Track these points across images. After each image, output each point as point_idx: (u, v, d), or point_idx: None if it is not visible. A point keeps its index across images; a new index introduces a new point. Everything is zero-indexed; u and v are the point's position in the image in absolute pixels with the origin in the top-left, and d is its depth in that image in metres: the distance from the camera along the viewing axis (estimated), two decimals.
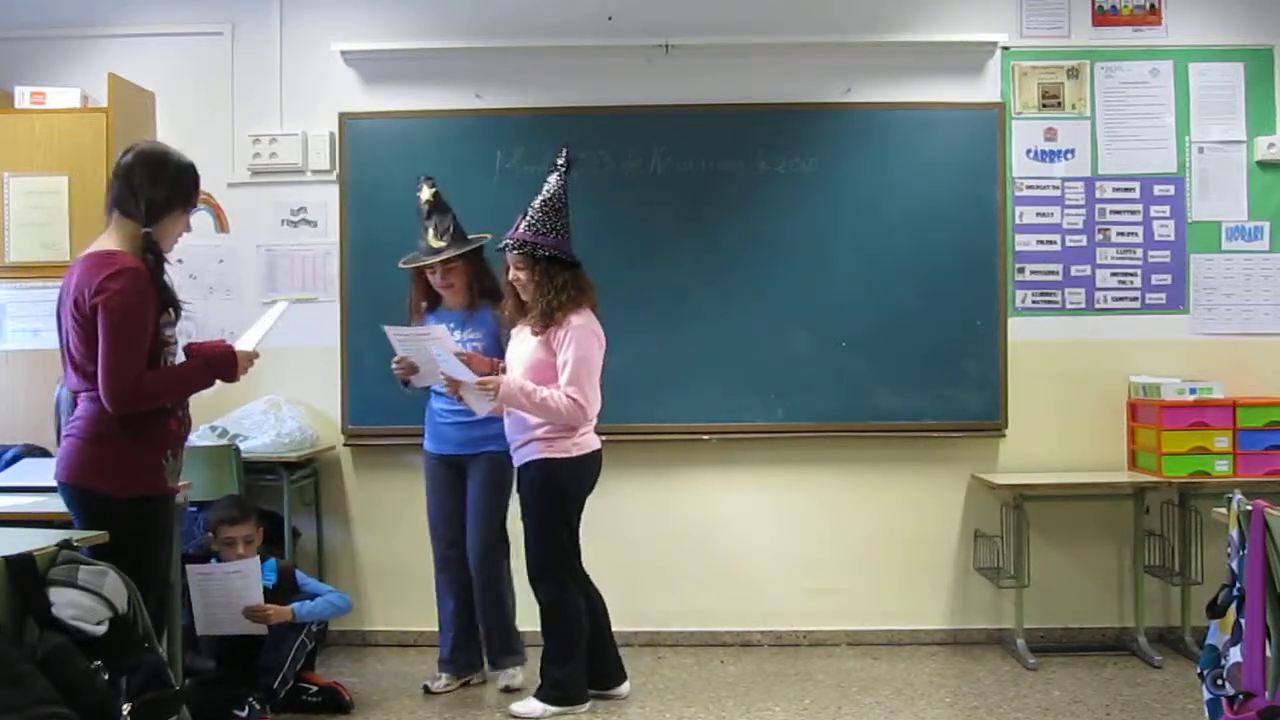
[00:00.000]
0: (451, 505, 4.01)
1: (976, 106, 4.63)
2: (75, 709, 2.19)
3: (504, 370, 3.78)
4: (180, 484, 3.10)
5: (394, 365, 3.84)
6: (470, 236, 3.96)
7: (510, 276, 3.74)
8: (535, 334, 3.68)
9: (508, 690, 3.95)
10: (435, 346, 3.67)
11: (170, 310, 2.91)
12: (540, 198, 3.71)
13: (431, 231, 3.92)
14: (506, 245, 3.71)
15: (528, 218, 3.69)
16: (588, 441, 3.72)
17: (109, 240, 2.87)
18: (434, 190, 3.94)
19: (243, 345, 3.07)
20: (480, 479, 3.95)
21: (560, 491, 3.70)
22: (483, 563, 3.94)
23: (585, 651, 3.76)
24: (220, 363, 2.97)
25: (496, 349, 3.92)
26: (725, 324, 4.59)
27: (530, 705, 3.73)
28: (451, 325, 3.92)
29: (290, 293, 4.67)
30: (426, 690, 4.04)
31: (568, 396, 3.60)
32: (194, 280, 4.70)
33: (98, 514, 2.81)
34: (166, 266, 2.92)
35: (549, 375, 3.66)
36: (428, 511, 4.09)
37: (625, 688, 3.91)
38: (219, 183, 4.71)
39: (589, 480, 3.77)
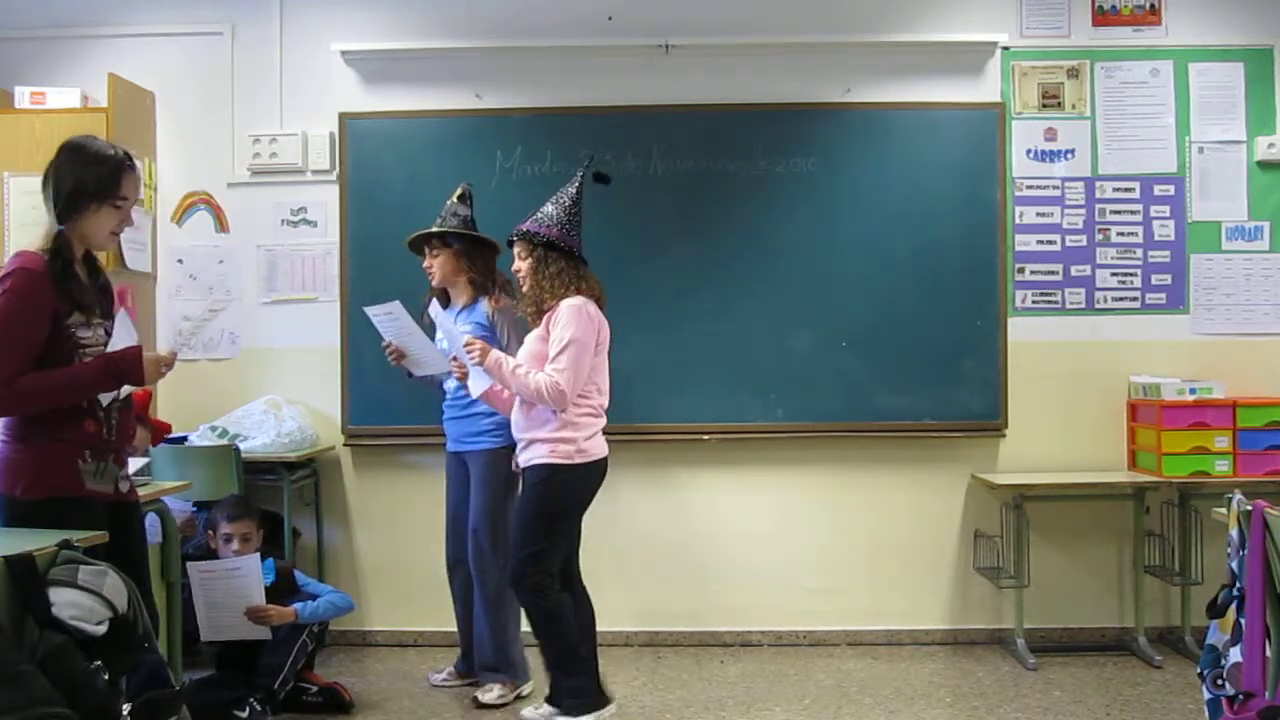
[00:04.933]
0: (458, 506, 3.96)
1: (976, 106, 4.63)
2: (75, 709, 2.18)
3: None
4: (168, 485, 2.98)
5: (384, 350, 3.80)
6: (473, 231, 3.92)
7: (514, 268, 3.61)
8: (533, 325, 3.56)
9: (477, 704, 3.79)
10: (406, 321, 3.62)
11: (78, 312, 2.73)
12: (554, 196, 3.61)
13: (439, 217, 3.92)
14: (510, 239, 3.60)
15: (535, 213, 3.59)
16: (594, 448, 3.50)
17: (35, 241, 2.76)
18: (462, 191, 3.96)
19: (160, 348, 2.87)
20: (476, 478, 3.87)
21: (559, 500, 3.48)
22: (476, 569, 3.86)
23: (590, 650, 3.55)
24: (121, 364, 2.74)
25: (493, 343, 3.77)
26: (725, 324, 4.59)
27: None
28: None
29: (291, 293, 4.70)
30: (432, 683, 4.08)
31: (549, 375, 3.40)
32: (194, 280, 4.72)
33: (10, 516, 2.72)
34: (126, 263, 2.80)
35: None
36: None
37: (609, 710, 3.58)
38: (219, 183, 4.73)
39: (591, 489, 3.55)
